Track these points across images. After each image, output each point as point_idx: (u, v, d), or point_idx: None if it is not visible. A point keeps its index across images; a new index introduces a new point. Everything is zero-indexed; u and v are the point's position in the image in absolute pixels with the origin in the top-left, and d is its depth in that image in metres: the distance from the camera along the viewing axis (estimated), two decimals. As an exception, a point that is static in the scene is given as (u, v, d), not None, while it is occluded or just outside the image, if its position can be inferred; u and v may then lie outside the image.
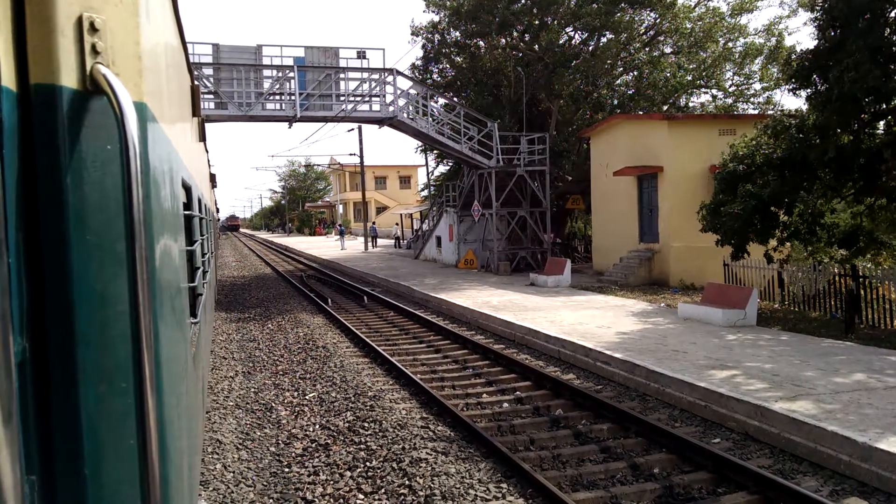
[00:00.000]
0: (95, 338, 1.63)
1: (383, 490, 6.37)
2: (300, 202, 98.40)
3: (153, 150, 2.08)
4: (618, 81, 31.24)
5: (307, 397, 9.71)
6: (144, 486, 1.59)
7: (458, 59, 32.51)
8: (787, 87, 14.10)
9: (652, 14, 29.40)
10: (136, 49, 1.88)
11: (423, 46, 32.32)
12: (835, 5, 12.25)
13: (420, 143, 33.84)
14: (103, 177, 1.66)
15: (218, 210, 32.88)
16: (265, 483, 6.68)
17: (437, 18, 31.58)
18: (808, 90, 13.24)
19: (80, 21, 1.63)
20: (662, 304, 16.42)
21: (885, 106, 12.40)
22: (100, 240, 1.65)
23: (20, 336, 1.47)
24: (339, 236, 50.88)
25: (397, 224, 53.89)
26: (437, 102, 27.81)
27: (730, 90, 30.82)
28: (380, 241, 54.89)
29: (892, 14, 11.99)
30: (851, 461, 6.35)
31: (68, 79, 1.60)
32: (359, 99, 23.81)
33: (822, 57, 12.74)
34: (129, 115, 1.58)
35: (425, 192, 46.27)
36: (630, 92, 30.62)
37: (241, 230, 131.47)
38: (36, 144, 1.56)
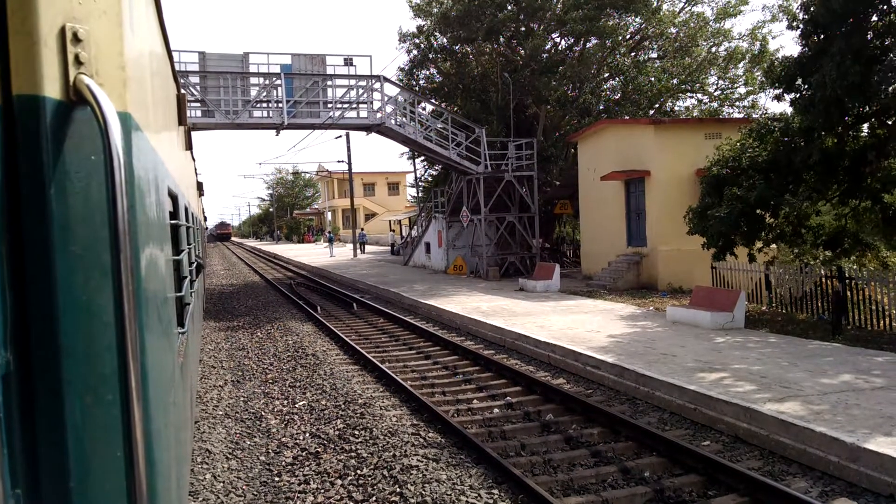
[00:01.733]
0: (81, 349, 1.62)
1: (374, 498, 6.35)
2: (288, 210, 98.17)
3: (138, 159, 2.08)
4: (604, 86, 31.41)
5: (297, 405, 9.67)
6: (132, 498, 1.58)
7: (445, 64, 32.61)
8: (771, 91, 14.23)
9: (637, 19, 29.61)
10: (120, 59, 1.87)
11: (408, 51, 32.43)
12: (817, 12, 12.38)
13: (407, 149, 33.89)
14: (87, 187, 1.66)
15: (206, 218, 32.73)
16: (255, 492, 6.64)
17: (423, 24, 31.68)
18: (792, 94, 13.37)
19: (63, 32, 1.62)
20: (651, 308, 16.48)
21: (868, 108, 12.53)
22: (84, 250, 1.64)
23: (4, 349, 1.46)
24: (328, 243, 50.69)
25: (394, 231, 53.89)
26: (424, 109, 27.86)
27: (715, 94, 31.06)
28: (368, 248, 54.87)
29: (874, 18, 12.14)
30: (840, 462, 6.38)
31: (51, 89, 1.59)
32: (346, 106, 23.81)
33: (806, 63, 12.86)
34: (113, 125, 1.57)
35: (413, 192, 46.24)
36: (616, 97, 30.80)
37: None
38: (19, 155, 1.55)
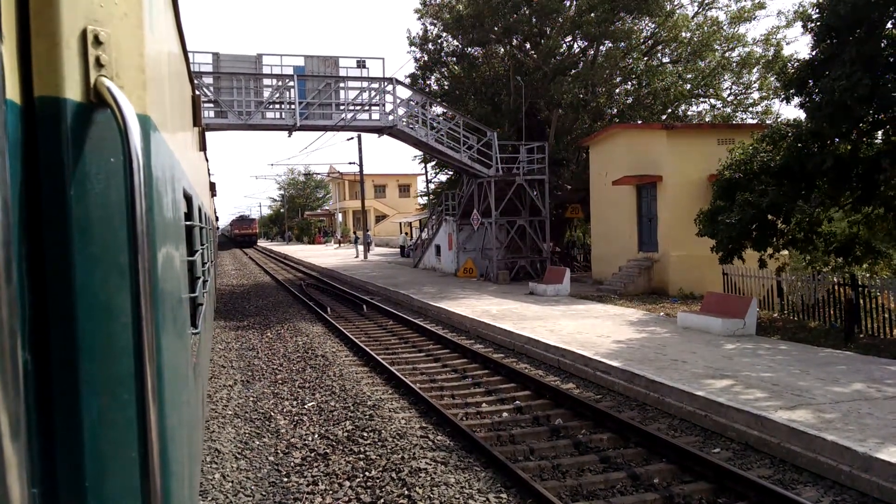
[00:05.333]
0: (98, 350, 1.63)
1: (382, 500, 6.35)
2: (299, 211, 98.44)
3: (156, 161, 2.09)
4: (617, 90, 31.32)
5: (306, 406, 9.69)
6: (146, 497, 1.59)
7: (456, 68, 32.64)
8: (782, 94, 14.18)
9: (651, 23, 29.52)
10: (140, 61, 1.89)
11: (416, 58, 32.56)
12: (828, 16, 12.35)
13: (419, 152, 33.93)
14: (107, 189, 1.67)
15: (217, 218, 32.81)
16: (264, 493, 6.66)
17: (433, 29, 31.81)
18: (802, 97, 13.31)
19: (84, 34, 1.64)
20: (662, 314, 16.41)
21: (882, 115, 12.45)
22: (103, 252, 1.65)
23: (23, 348, 1.47)
24: (353, 244, 50.38)
25: (406, 233, 53.97)
26: (437, 112, 27.90)
27: (728, 99, 30.91)
28: (378, 250, 55.06)
29: (889, 25, 12.07)
30: (852, 471, 6.33)
31: (72, 91, 1.61)
32: (358, 108, 23.87)
33: (817, 66, 12.81)
34: (133, 127, 1.59)
35: (424, 201, 46.15)
36: (629, 101, 30.70)
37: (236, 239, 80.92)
38: (40, 157, 1.57)
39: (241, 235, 74.85)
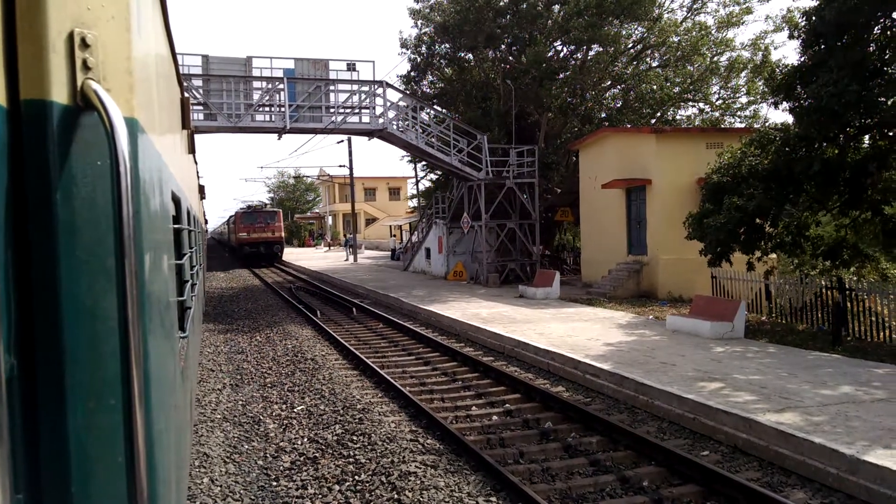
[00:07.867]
0: (84, 354, 1.62)
1: (372, 504, 6.33)
2: (289, 214, 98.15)
3: (143, 164, 2.08)
4: (606, 94, 31.43)
5: (295, 410, 9.66)
6: (132, 503, 1.58)
7: (447, 71, 32.66)
8: (770, 99, 14.28)
9: (639, 28, 29.65)
10: (128, 64, 1.88)
11: (410, 60, 32.59)
12: (816, 23, 12.46)
13: (409, 154, 33.91)
14: (93, 192, 1.66)
15: (206, 221, 32.58)
16: (253, 497, 6.63)
17: (423, 32, 31.80)
18: (790, 102, 13.41)
19: (71, 37, 1.63)
20: (651, 317, 16.47)
21: (869, 120, 12.56)
22: (90, 255, 1.64)
23: (8, 353, 1.46)
24: (345, 247, 50.02)
25: (395, 236, 53.89)
26: (428, 115, 27.92)
27: (716, 104, 31.08)
28: (368, 253, 55.11)
29: (876, 30, 12.19)
30: (839, 474, 6.37)
31: (59, 94, 1.60)
32: (348, 111, 23.86)
33: (805, 73, 12.92)
34: (120, 130, 1.58)
35: (414, 203, 46.08)
36: (618, 104, 30.80)
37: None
38: (26, 160, 1.56)
39: (251, 242, 43.61)
